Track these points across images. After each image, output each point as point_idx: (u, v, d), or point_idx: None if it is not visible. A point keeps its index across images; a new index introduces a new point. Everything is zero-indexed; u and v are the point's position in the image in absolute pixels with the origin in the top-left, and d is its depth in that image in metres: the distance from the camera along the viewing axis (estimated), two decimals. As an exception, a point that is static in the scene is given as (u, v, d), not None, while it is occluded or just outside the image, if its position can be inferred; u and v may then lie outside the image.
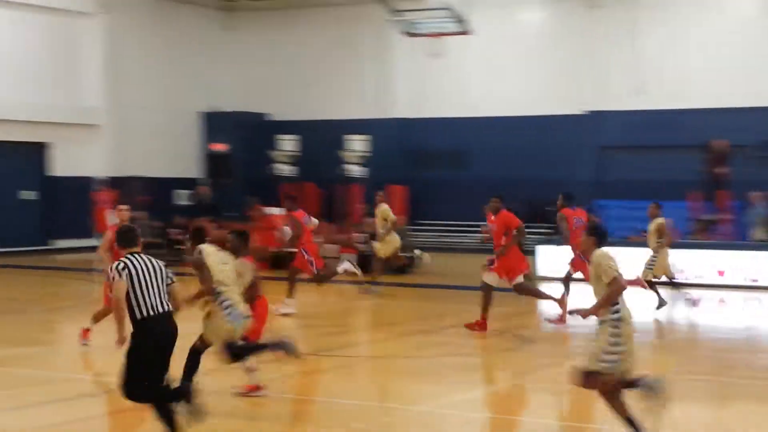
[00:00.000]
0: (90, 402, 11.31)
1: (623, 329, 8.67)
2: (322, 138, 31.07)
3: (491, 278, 15.41)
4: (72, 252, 27.72)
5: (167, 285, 8.83)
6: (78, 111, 30.26)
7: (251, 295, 10.82)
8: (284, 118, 33.12)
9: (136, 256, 8.79)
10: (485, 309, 15.31)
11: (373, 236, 22.33)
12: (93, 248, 26.88)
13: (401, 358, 14.02)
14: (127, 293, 8.57)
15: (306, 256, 17.42)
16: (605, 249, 8.89)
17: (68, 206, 28.32)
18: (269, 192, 27.31)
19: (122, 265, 8.65)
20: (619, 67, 29.70)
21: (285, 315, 16.95)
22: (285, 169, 29.53)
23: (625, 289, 8.69)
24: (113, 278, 8.60)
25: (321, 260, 17.96)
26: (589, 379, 8.78)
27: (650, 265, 17.77)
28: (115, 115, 31.01)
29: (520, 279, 15.65)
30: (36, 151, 29.57)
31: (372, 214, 25.37)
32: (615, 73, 29.75)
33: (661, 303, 17.71)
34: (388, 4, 28.88)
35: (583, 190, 28.59)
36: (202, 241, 10.52)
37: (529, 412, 11.32)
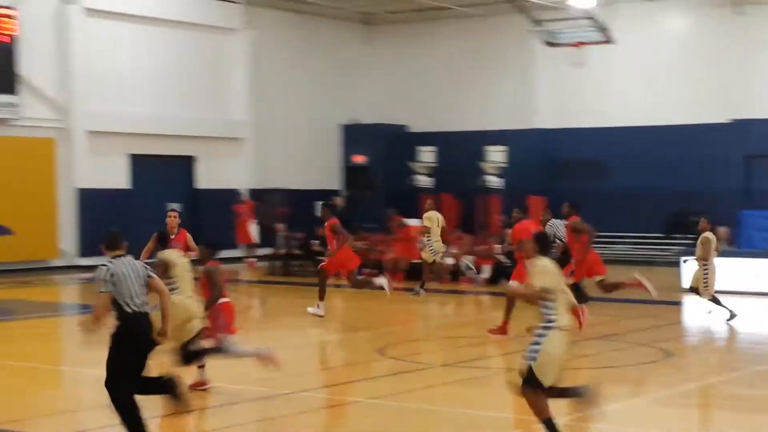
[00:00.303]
0: (227, 410, 11.54)
1: (553, 335, 8.97)
2: (460, 149, 31.13)
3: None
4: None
5: (147, 280, 9.32)
6: (223, 125, 31.03)
7: (215, 299, 11.49)
8: (423, 129, 33.28)
9: (120, 259, 9.25)
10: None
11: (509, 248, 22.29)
12: (236, 259, 27.59)
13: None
14: (114, 296, 9.08)
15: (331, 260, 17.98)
16: (546, 261, 9.11)
17: (211, 218, 29.04)
18: (408, 203, 27.46)
19: (109, 273, 9.09)
20: (765, 74, 28.91)
21: (314, 315, 17.59)
22: (423, 181, 29.68)
23: (533, 300, 9.00)
24: (101, 286, 9.08)
25: (356, 260, 18.39)
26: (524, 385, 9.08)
27: (705, 281, 17.75)
28: (258, 128, 31.69)
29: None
30: (184, 165, 30.42)
31: (510, 225, 25.31)
32: (761, 79, 28.97)
33: (732, 314, 17.52)
34: (529, 14, 28.78)
35: (728, 200, 27.95)
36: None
37: (669, 428, 11.11)
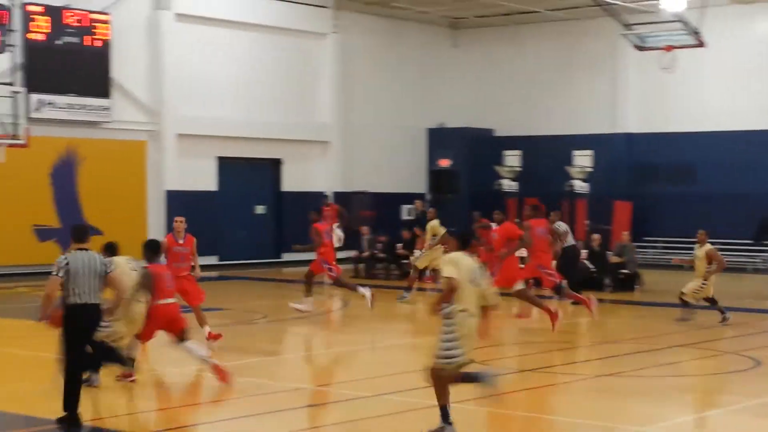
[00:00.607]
0: (312, 412, 11.65)
1: (456, 328, 9.67)
2: (546, 153, 30.98)
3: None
4: (301, 265, 28.56)
5: (105, 274, 10.32)
6: (310, 128, 31.28)
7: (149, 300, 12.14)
8: (509, 133, 33.17)
9: (81, 252, 10.27)
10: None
11: (594, 252, 22.16)
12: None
13: (622, 377, 13.78)
14: (64, 284, 10.08)
15: (324, 264, 18.89)
16: (456, 254, 9.90)
17: (296, 221, 29.29)
18: (493, 207, 27.34)
19: (65, 262, 10.13)
20: None
21: (297, 310, 18.49)
22: (508, 185, 29.59)
23: (454, 290, 9.60)
24: (54, 271, 10.11)
25: (338, 267, 19.25)
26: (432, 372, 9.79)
27: (697, 291, 17.96)
28: (344, 131, 31.89)
29: (519, 285, 17.21)
30: (270, 167, 30.74)
31: (597, 231, 25.14)
32: None
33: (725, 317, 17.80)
34: (619, 18, 28.53)
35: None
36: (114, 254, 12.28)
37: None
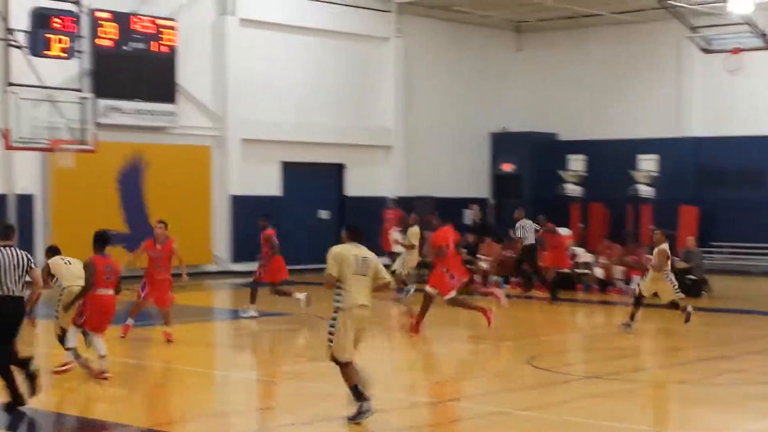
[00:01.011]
0: (371, 419, 11.63)
1: (340, 316, 10.45)
2: (610, 157, 30.72)
3: (430, 289, 17.32)
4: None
5: (27, 270, 11.09)
6: (373, 133, 31.34)
7: (83, 292, 12.80)
8: (573, 137, 32.94)
9: (6, 249, 11.09)
10: (422, 313, 17.28)
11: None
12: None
13: (689, 384, 13.63)
14: None
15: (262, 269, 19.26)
16: (341, 247, 10.68)
17: (360, 225, 29.30)
18: (556, 212, 27.20)
19: None
20: None
21: (248, 318, 18.83)
22: (572, 189, 29.40)
23: (330, 286, 10.51)
24: None
25: (286, 273, 19.54)
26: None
27: (677, 290, 17.91)
28: (406, 136, 31.91)
29: (452, 294, 17.40)
30: (333, 172, 30.85)
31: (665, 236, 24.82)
32: None
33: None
34: (685, 21, 28.26)
35: None
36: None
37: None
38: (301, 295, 19.18)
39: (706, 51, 27.81)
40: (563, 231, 25.40)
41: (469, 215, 26.83)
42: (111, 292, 12.97)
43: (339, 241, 11.11)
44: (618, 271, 24.11)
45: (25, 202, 24.35)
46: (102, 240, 13.15)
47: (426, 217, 28.01)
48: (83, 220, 25.15)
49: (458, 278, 17.66)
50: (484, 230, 26.39)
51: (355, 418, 10.48)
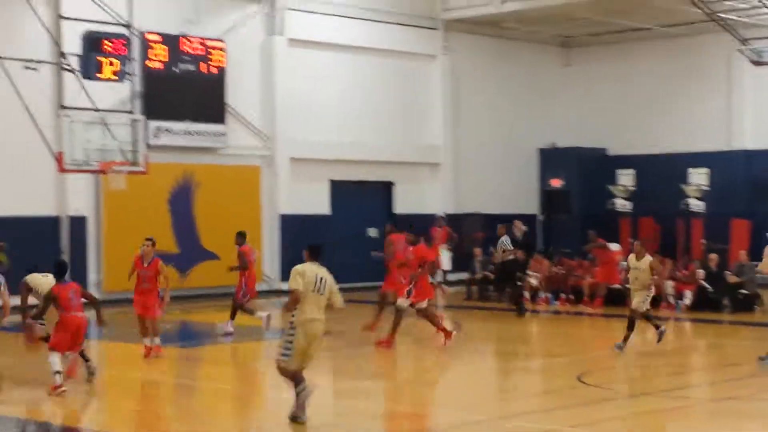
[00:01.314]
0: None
1: (295, 333, 11.27)
2: (660, 171, 30.51)
3: (402, 301, 17.52)
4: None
5: None
6: (421, 150, 31.39)
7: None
8: (622, 152, 32.77)
9: None
10: (394, 328, 17.46)
11: (711, 272, 21.79)
12: (436, 282, 27.74)
13: (741, 400, 13.50)
14: None
15: (243, 288, 19.38)
16: (304, 265, 11.51)
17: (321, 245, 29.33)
18: (606, 227, 27.07)
19: None
20: None
21: (226, 335, 19.02)
22: (622, 204, 29.24)
23: (297, 301, 11.28)
24: None
25: (255, 293, 20.00)
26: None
27: (645, 300, 17.49)
28: (455, 152, 31.93)
29: (423, 304, 17.71)
30: (382, 190, 30.93)
31: (714, 250, 24.65)
32: None
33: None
34: (735, 33, 28.09)
35: None
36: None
37: None
38: (263, 314, 19.15)
39: (757, 63, 27.55)
40: (613, 246, 25.28)
41: (514, 231, 26.71)
42: (80, 314, 13.57)
43: (301, 260, 11.74)
44: (668, 286, 23.92)
45: (78, 224, 24.69)
46: (61, 270, 13.90)
47: (473, 234, 28.01)
48: (135, 241, 25.36)
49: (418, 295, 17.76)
50: (528, 246, 26.30)
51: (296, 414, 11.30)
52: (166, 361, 16.34)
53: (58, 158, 21.39)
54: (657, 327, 17.57)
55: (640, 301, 17.45)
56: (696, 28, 31.03)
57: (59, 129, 21.85)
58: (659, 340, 17.38)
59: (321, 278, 11.42)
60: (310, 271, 11.41)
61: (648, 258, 17.82)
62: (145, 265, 16.69)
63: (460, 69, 32.15)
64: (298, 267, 11.50)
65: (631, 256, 17.93)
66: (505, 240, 24.32)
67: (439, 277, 27.83)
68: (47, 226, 24.35)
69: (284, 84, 28.25)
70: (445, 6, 31.37)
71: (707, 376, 16.32)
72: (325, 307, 11.48)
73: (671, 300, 23.72)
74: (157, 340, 16.47)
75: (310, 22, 28.83)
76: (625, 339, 17.13)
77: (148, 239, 17.09)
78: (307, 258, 11.66)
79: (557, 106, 34.31)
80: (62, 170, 22.07)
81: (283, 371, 11.36)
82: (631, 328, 17.20)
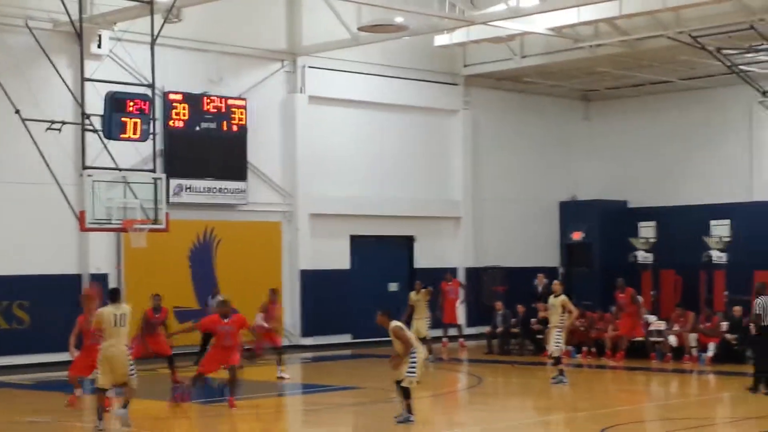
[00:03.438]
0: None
1: (416, 354, 14.78)
2: (681, 223, 30.43)
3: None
4: (436, 341, 28.53)
5: None
6: (442, 204, 31.44)
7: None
8: (643, 204, 32.74)
9: None
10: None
11: (735, 323, 21.64)
12: (444, 338, 27.71)
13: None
14: None
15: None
16: (397, 322, 15.18)
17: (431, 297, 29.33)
18: (628, 280, 26.93)
19: None
20: None
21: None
22: (643, 257, 29.15)
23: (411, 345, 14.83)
24: None
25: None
26: None
27: (558, 342, 18.68)
28: (475, 206, 31.95)
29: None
30: (402, 244, 30.95)
31: (737, 302, 24.51)
32: None
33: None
34: (755, 85, 28.20)
35: None
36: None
37: None
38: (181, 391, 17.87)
39: (777, 115, 27.65)
40: (640, 299, 25.32)
41: (537, 285, 26.68)
42: None
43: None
44: (692, 338, 23.78)
45: (99, 281, 24.77)
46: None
47: (494, 287, 27.97)
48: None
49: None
50: (544, 299, 26.29)
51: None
52: (184, 418, 16.34)
53: (80, 217, 21.54)
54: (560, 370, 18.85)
55: (554, 342, 18.82)
56: (716, 81, 31.12)
57: (81, 188, 22.03)
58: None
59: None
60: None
61: (561, 297, 19.01)
62: (157, 315, 19.75)
63: (480, 123, 32.30)
64: (398, 323, 15.55)
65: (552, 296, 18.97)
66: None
67: (454, 332, 27.84)
68: (69, 283, 24.46)
69: (305, 140, 28.41)
70: (465, 62, 31.57)
71: (733, 430, 16.17)
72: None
73: (694, 352, 23.58)
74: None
75: (331, 79, 29.02)
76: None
77: (155, 295, 19.92)
78: (386, 318, 15.55)
79: (578, 160, 34.37)
80: (84, 229, 22.20)
81: (412, 388, 14.82)
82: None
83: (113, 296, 15.31)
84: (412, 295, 24.65)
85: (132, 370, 14.65)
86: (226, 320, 17.24)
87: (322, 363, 24.31)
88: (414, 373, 14.95)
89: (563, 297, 19.12)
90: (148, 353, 19.45)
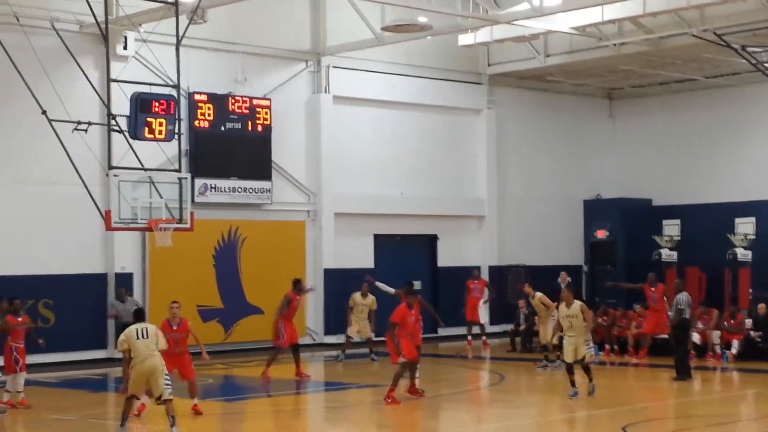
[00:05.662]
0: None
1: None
2: (706, 221, 30.38)
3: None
4: (457, 339, 28.62)
5: None
6: (465, 203, 31.49)
7: None
8: (667, 202, 32.69)
9: None
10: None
11: (759, 321, 21.58)
12: (468, 337, 27.77)
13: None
14: None
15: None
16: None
17: (450, 295, 29.44)
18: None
19: None
20: None
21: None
22: (668, 255, 29.12)
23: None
24: None
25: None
26: None
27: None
28: (499, 205, 31.99)
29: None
30: (426, 243, 31.03)
31: (762, 299, 24.46)
32: None
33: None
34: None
35: None
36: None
37: None
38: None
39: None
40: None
41: (560, 283, 26.65)
42: None
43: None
44: (715, 336, 23.75)
45: (124, 280, 25.02)
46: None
47: (518, 286, 27.98)
48: (180, 297, 25.57)
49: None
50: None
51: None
52: (207, 416, 16.47)
53: (106, 217, 21.76)
54: (591, 379, 18.02)
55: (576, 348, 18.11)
56: (741, 79, 31.04)
57: (107, 188, 22.26)
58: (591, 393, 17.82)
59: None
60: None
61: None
62: (174, 327, 16.48)
63: (504, 122, 32.33)
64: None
65: (561, 306, 18.29)
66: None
67: (477, 329, 27.90)
68: (95, 283, 24.71)
69: (329, 140, 28.54)
70: (489, 61, 31.61)
71: (756, 428, 16.15)
72: None
73: (718, 350, 23.55)
74: (196, 400, 16.43)
75: (355, 79, 29.15)
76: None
77: (174, 302, 17.04)
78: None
79: (602, 158, 34.34)
80: (109, 228, 22.38)
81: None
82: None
83: (138, 316, 15.10)
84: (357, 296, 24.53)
85: (168, 381, 14.15)
86: (174, 327, 16.45)
87: (345, 361, 24.43)
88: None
89: (580, 304, 18.84)
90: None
